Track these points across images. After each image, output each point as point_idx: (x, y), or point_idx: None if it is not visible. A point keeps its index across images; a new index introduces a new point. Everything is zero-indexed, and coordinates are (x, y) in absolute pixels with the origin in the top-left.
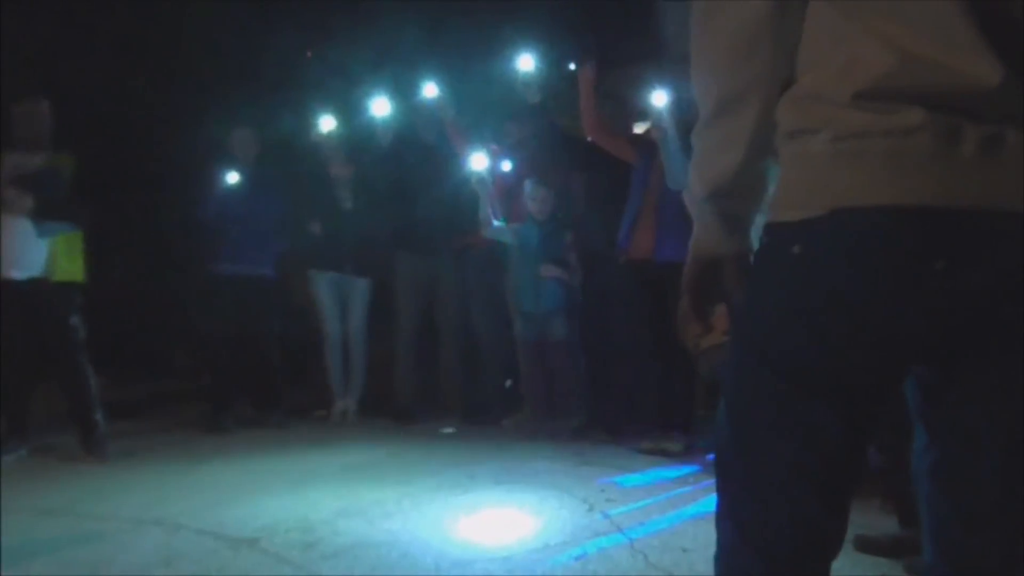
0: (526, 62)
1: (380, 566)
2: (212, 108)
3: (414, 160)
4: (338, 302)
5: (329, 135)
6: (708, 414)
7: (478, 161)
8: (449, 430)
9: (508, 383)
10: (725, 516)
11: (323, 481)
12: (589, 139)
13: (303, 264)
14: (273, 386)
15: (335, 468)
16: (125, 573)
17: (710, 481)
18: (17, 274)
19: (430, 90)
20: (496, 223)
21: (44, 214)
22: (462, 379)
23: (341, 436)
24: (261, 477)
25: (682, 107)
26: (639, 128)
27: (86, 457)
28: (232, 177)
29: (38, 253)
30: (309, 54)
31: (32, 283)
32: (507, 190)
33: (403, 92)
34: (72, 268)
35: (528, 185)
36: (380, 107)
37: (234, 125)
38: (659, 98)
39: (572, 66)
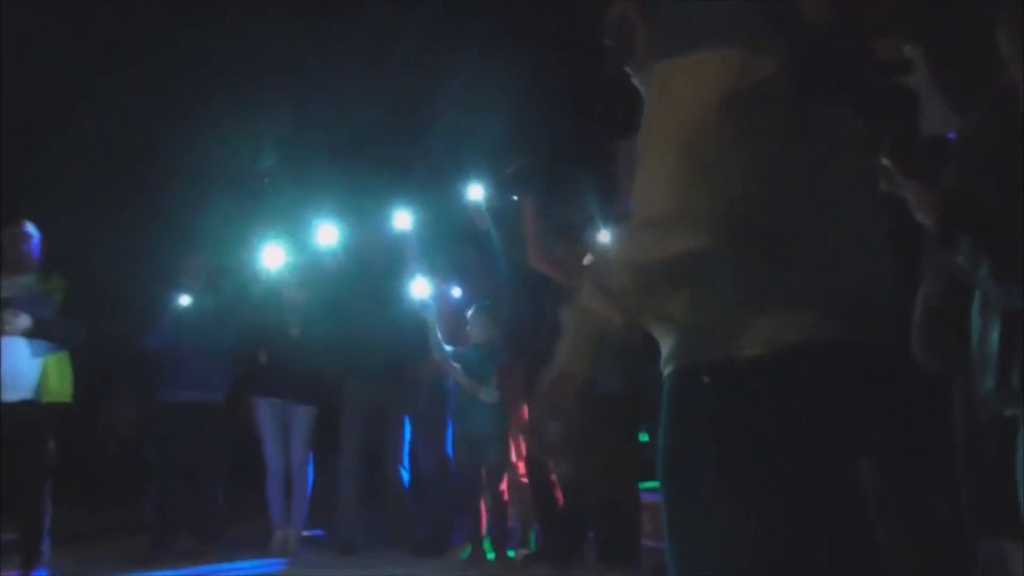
0: (476, 191)
1: None
2: (167, 234)
3: (364, 287)
4: (280, 430)
5: (283, 260)
6: (656, 543)
7: (425, 288)
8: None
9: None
10: None
11: None
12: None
13: (248, 391)
14: (215, 518)
15: None
16: None
17: None
18: (9, 396)
19: (402, 219)
20: (446, 348)
21: (39, 334)
22: (409, 510)
23: (282, 569)
24: None
25: None
26: (586, 259)
27: None
28: (184, 304)
29: (31, 375)
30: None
31: (22, 405)
32: (456, 316)
33: (357, 219)
34: (61, 388)
35: (471, 311)
36: (327, 234)
37: (187, 252)
38: (604, 235)
39: (515, 198)
